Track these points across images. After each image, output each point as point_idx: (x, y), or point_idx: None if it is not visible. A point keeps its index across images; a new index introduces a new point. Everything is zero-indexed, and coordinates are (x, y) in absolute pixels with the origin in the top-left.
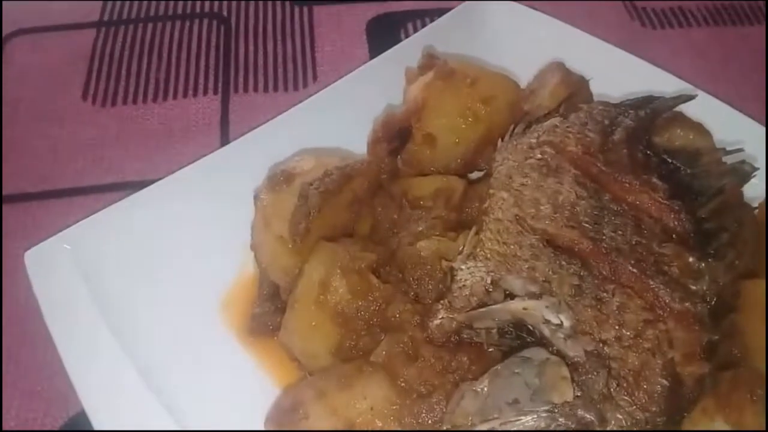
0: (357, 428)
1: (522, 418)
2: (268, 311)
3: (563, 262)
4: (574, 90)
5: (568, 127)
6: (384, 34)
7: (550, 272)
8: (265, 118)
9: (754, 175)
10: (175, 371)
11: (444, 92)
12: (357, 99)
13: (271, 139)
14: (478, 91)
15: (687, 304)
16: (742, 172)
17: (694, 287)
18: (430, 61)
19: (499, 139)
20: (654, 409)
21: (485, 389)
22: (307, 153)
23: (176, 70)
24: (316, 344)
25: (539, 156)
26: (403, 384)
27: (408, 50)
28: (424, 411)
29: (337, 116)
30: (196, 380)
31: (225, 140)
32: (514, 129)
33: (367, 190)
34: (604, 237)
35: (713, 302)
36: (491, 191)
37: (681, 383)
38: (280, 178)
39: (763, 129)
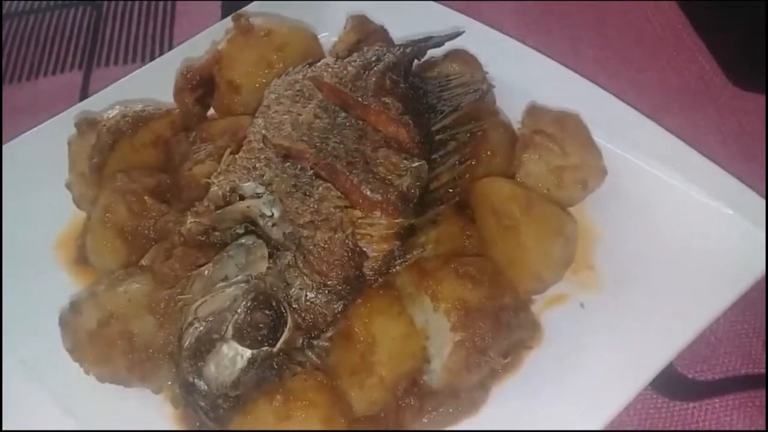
0: (115, 317)
1: (227, 289)
2: None
3: (287, 168)
4: (364, 36)
5: (335, 63)
6: (240, 4)
7: (275, 176)
8: None
9: (486, 90)
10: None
11: (243, 46)
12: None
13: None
14: (272, 41)
15: (380, 194)
16: (479, 92)
17: (396, 182)
18: (237, 20)
19: (275, 78)
20: (333, 274)
21: (209, 272)
22: (119, 104)
23: (49, 52)
24: (109, 260)
25: (298, 88)
26: (158, 279)
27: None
28: (167, 297)
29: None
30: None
31: None
32: (293, 70)
33: (170, 132)
34: (327, 147)
35: (416, 195)
36: (254, 119)
37: (362, 255)
38: (84, 125)
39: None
